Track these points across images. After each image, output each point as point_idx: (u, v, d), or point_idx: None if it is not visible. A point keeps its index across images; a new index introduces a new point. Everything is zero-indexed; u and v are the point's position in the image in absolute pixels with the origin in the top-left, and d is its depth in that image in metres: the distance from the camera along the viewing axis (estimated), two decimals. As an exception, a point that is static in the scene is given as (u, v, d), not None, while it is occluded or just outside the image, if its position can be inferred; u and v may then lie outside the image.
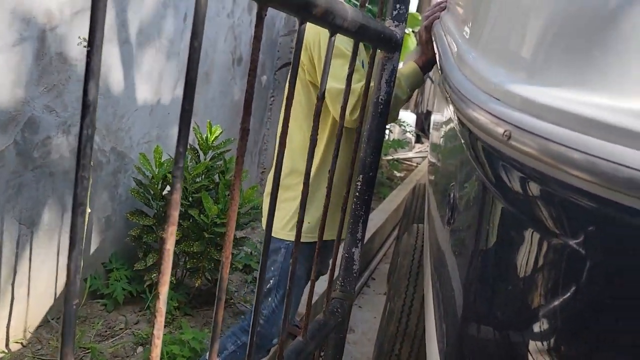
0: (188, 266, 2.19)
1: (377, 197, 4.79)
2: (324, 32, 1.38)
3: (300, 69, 1.44)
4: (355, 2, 1.49)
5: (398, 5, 1.09)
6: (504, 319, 0.71)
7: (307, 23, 0.61)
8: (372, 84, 1.04)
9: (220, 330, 0.50)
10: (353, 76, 0.82)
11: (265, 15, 0.53)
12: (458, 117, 0.89)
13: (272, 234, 1.51)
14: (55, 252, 1.96)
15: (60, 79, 1.77)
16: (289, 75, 0.63)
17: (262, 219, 1.67)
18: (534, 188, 0.60)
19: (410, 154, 8.10)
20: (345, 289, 1.18)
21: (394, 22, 1.09)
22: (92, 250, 2.18)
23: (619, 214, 0.49)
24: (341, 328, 1.16)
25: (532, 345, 0.63)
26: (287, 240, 1.49)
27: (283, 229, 1.49)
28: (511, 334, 0.70)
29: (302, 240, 1.57)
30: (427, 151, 7.84)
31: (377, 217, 3.97)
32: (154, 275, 2.15)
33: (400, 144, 6.25)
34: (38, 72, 1.68)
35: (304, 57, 1.41)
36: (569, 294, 0.57)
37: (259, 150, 3.84)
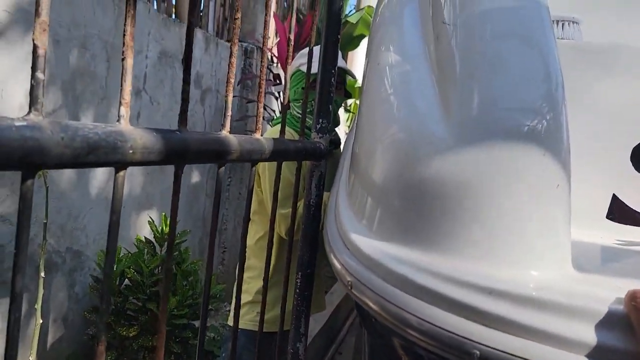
0: (147, 361, 2.19)
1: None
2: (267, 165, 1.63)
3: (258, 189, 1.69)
4: (297, 115, 1.70)
5: (321, 120, 1.24)
6: None
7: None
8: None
9: None
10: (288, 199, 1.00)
11: (181, 173, 0.64)
12: None
13: (228, 322, 1.66)
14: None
15: (14, 189, 1.84)
16: (245, 202, 0.82)
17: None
18: (380, 328, 0.68)
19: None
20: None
21: (318, 135, 1.23)
22: (48, 352, 2.15)
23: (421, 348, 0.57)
24: None
25: None
26: (240, 328, 1.57)
27: (241, 318, 1.59)
28: None
29: (249, 328, 1.67)
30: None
31: (340, 288, 4.02)
32: (113, 373, 2.13)
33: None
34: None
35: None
36: None
37: (219, 229, 3.90)
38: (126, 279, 2.22)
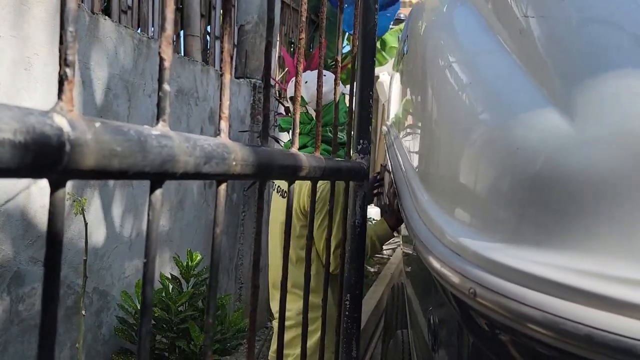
0: (180, 401, 2.14)
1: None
2: (324, 186, 1.58)
3: (295, 218, 1.62)
4: (328, 148, 1.71)
5: (361, 141, 1.25)
6: None
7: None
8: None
9: None
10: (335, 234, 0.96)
11: (265, 186, 0.65)
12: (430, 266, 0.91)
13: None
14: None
15: (44, 230, 1.83)
16: (284, 231, 0.76)
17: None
18: (503, 337, 0.62)
19: (380, 248, 8.21)
20: (348, 408, 1.21)
21: (359, 155, 1.25)
22: (76, 397, 2.11)
23: None
24: None
25: None
26: None
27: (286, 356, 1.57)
28: None
29: None
30: (396, 242, 7.98)
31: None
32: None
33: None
34: (23, 227, 1.74)
35: (299, 203, 1.59)
36: None
37: (235, 266, 3.87)
38: (153, 319, 2.20)
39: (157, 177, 0.44)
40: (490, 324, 0.63)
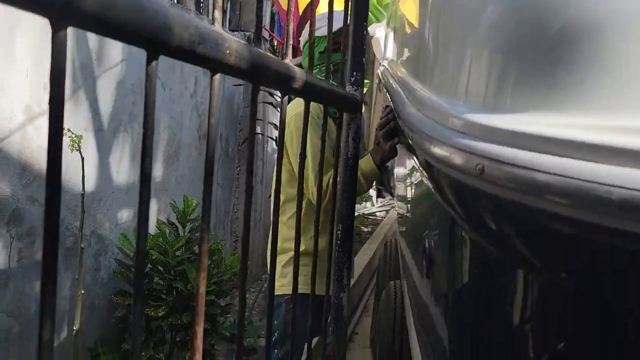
0: (177, 339, 2.21)
1: (349, 252, 4.88)
2: (295, 117, 1.58)
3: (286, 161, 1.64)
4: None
5: (355, 73, 1.26)
6: None
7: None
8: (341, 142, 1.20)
9: None
10: (325, 166, 0.96)
11: (258, 91, 0.66)
12: (425, 162, 0.87)
13: (278, 293, 1.63)
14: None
15: (42, 170, 1.85)
16: (277, 153, 0.78)
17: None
18: (516, 224, 0.55)
19: (373, 209, 8.31)
20: (338, 333, 1.26)
21: (352, 87, 1.26)
22: (76, 337, 2.17)
23: (614, 240, 0.44)
24: (338, 371, 1.24)
25: None
26: (287, 295, 1.59)
27: (281, 285, 1.60)
28: None
29: (299, 291, 1.66)
30: (390, 205, 8.06)
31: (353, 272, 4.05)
32: (143, 353, 2.15)
33: (363, 198, 6.44)
34: (20, 166, 1.76)
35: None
36: (561, 338, 0.52)
37: (230, 219, 3.92)
38: (149, 263, 2.24)
39: (153, 46, 0.46)
40: (497, 208, 0.55)
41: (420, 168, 1.09)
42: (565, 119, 0.50)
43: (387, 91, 1.46)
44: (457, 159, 0.58)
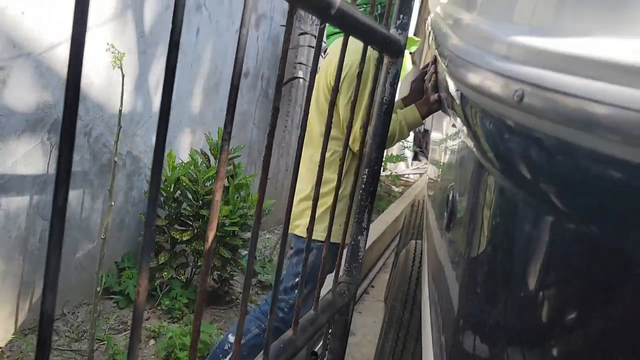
0: (199, 264, 2.29)
1: (376, 209, 4.90)
2: (358, 63, 1.55)
3: (322, 94, 1.61)
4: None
5: (401, 16, 1.22)
6: (500, 325, 0.60)
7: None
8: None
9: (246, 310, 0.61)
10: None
11: (295, 13, 0.65)
12: (460, 97, 0.79)
13: (298, 234, 1.65)
14: (74, 249, 2.07)
15: (84, 84, 1.90)
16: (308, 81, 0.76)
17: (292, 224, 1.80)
18: (556, 166, 0.45)
19: (407, 171, 8.27)
20: (352, 273, 1.28)
21: (397, 31, 1.22)
22: (106, 249, 2.28)
23: None
24: (347, 309, 1.27)
25: (533, 354, 0.52)
26: (319, 241, 1.62)
27: (316, 231, 1.63)
28: (508, 339, 0.58)
29: (332, 240, 1.68)
30: (424, 169, 7.99)
31: (376, 228, 4.08)
32: (165, 273, 2.25)
33: (399, 159, 6.39)
34: (64, 77, 1.81)
35: (327, 79, 1.59)
36: (593, 300, 0.43)
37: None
38: (179, 189, 2.31)
39: None
40: (534, 145, 0.47)
41: (453, 112, 1.05)
42: (636, 42, 0.41)
43: (434, 33, 1.40)
44: (493, 85, 0.50)
